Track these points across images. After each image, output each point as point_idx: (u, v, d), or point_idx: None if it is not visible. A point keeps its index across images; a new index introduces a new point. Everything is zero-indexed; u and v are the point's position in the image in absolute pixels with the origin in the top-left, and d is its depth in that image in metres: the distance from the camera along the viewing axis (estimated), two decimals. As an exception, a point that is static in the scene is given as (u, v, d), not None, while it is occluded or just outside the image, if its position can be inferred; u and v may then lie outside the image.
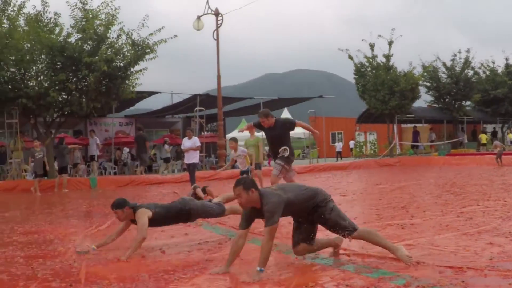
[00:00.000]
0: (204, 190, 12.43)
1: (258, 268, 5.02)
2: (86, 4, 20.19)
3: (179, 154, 26.72)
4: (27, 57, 19.61)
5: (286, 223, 7.00)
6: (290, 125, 9.61)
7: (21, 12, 20.15)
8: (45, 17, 20.33)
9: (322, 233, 5.93)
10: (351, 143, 46.58)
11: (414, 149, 35.71)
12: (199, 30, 25.65)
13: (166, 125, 33.19)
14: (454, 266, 4.98)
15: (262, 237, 5.58)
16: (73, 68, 20.00)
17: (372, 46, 31.98)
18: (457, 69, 36.86)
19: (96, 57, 19.23)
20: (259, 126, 9.83)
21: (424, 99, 38.60)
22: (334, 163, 30.91)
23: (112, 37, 20.57)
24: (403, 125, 42.52)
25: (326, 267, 5.44)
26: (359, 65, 32.70)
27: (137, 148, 22.70)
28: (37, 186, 17.98)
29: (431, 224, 7.82)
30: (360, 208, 10.87)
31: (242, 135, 44.37)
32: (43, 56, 20.15)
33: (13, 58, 19.46)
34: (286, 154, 9.54)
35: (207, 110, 28.12)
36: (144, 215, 6.70)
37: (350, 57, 32.47)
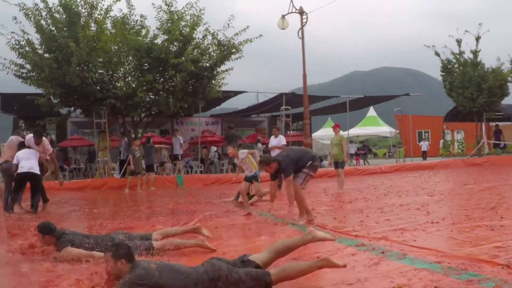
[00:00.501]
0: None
1: None
2: (171, 6, 20.20)
3: (265, 153, 26.43)
4: (115, 59, 19.78)
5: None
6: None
7: (108, 15, 20.52)
8: (131, 20, 20.57)
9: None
10: (441, 142, 45.08)
11: (497, 148, 34.02)
12: (284, 29, 25.33)
13: (252, 124, 33.04)
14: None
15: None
16: (160, 69, 20.04)
17: (459, 42, 30.76)
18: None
19: (183, 57, 19.15)
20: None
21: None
22: (421, 162, 29.97)
23: (198, 38, 20.45)
24: (491, 123, 40.81)
25: (415, 268, 5.30)
26: (446, 62, 31.44)
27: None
28: (136, 183, 18.26)
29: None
30: (448, 208, 10.38)
31: (326, 134, 43.97)
32: (130, 58, 20.33)
33: (101, 60, 19.67)
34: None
35: (293, 109, 27.74)
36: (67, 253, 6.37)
37: (437, 54, 31.31)
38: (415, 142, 39.43)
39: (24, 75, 20.32)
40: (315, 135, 45.02)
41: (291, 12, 25.40)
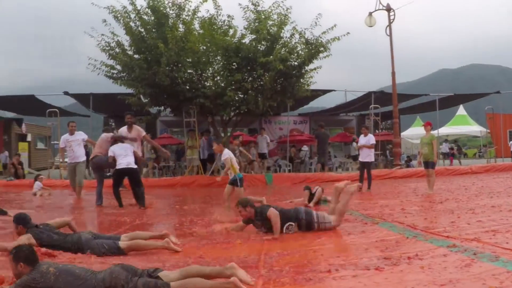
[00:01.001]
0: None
1: None
2: (258, 5, 20.12)
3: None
4: (203, 59, 19.92)
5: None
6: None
7: (196, 16, 20.77)
8: (218, 20, 20.68)
9: None
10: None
11: None
12: (371, 26, 24.81)
13: (340, 123, 32.49)
14: None
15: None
16: (248, 68, 20.01)
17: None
18: None
19: (271, 56, 19.01)
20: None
21: None
22: (513, 163, 28.36)
23: (286, 37, 20.25)
24: None
25: (508, 271, 5.04)
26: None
27: (319, 145, 22.62)
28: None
29: None
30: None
31: (415, 133, 42.90)
32: (218, 58, 20.47)
33: (190, 60, 19.87)
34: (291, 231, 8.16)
35: (382, 108, 27.08)
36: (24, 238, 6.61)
37: None
38: (506, 141, 37.74)
39: (114, 75, 20.94)
40: (404, 134, 43.93)
41: (378, 9, 24.90)
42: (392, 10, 24.60)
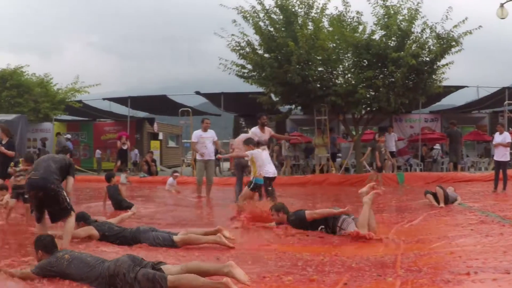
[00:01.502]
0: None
1: None
2: (387, 0, 20.02)
3: (487, 151, 25.41)
4: (334, 56, 20.06)
5: None
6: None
7: (324, 13, 20.96)
8: (347, 17, 20.73)
9: None
10: None
11: None
12: (503, 18, 24.07)
13: (472, 121, 31.60)
14: None
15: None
16: (379, 64, 19.98)
17: None
18: None
19: (402, 52, 18.96)
20: None
21: None
22: None
23: (416, 32, 20.04)
24: None
25: None
26: None
27: (451, 144, 22.21)
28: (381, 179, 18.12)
29: None
30: None
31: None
32: (348, 55, 20.54)
33: (320, 57, 20.08)
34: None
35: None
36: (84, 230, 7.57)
37: None
38: None
39: (245, 75, 21.57)
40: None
41: (510, 0, 24.14)
42: (525, -1, 23.79)
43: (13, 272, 5.60)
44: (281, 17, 20.87)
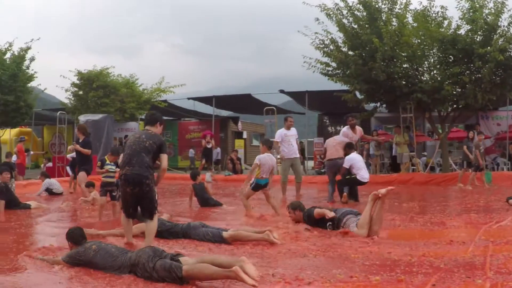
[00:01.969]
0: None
1: None
2: (470, -6, 19.82)
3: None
4: (419, 52, 20.04)
5: None
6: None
7: (408, 9, 20.93)
8: (432, 12, 20.67)
9: None
10: None
11: None
12: None
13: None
14: None
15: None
16: (465, 60, 19.81)
17: None
18: None
19: (489, 47, 18.80)
20: None
21: None
22: None
23: (503, 26, 19.77)
24: None
25: None
26: None
27: None
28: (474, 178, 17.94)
29: None
30: None
31: None
32: (434, 51, 20.51)
33: (405, 54, 20.14)
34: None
35: None
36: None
37: None
38: None
39: (330, 72, 21.86)
40: None
41: None
42: None
43: (46, 259, 6.35)
44: (365, 13, 20.95)
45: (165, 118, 37.38)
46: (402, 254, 6.42)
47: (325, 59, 21.65)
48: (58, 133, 31.50)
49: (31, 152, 31.65)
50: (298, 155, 15.35)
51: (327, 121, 31.07)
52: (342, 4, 21.19)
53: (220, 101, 30.66)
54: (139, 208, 7.22)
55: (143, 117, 31.63)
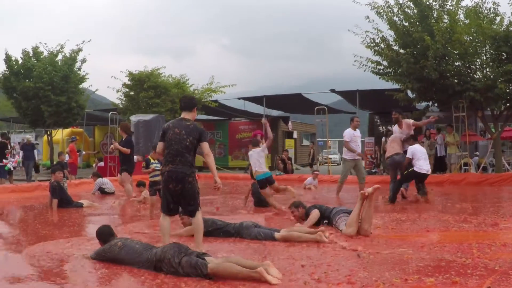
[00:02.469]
0: None
1: None
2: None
3: None
4: (470, 50, 19.90)
5: None
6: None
7: (459, 5, 20.76)
8: (484, 8, 20.45)
9: None
10: None
11: None
12: None
13: None
14: None
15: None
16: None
17: None
18: None
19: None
20: None
21: None
22: None
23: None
24: None
25: None
26: None
27: None
28: None
29: None
30: None
31: None
32: (486, 48, 20.28)
33: (457, 52, 20.01)
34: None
35: None
36: None
37: None
38: None
39: (381, 71, 21.94)
40: None
41: None
42: None
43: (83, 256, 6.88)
44: (415, 11, 20.88)
45: (215, 118, 38.12)
46: (456, 256, 6.49)
47: (376, 58, 21.71)
48: (109, 133, 32.27)
49: (83, 152, 32.73)
50: (361, 156, 15.65)
51: (378, 120, 31.16)
52: (392, 2, 21.20)
53: (270, 100, 31.05)
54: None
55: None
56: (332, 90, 27.66)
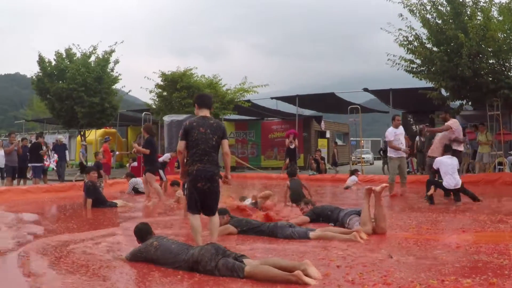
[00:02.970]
0: None
1: None
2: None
3: None
4: (505, 47, 19.74)
5: None
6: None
7: (493, 2, 20.55)
8: None
9: None
10: None
11: None
12: None
13: None
14: None
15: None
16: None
17: None
18: None
19: None
20: None
21: None
22: None
23: None
24: None
25: None
26: None
27: None
28: None
29: None
30: None
31: None
32: None
33: (491, 49, 19.91)
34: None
35: None
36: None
37: None
38: None
39: (414, 70, 21.91)
40: None
41: None
42: None
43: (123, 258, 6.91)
44: (449, 8, 20.85)
45: (248, 118, 38.41)
46: (492, 257, 6.49)
47: (409, 56, 21.67)
48: (142, 134, 32.73)
49: (116, 152, 33.29)
50: (404, 154, 15.80)
51: (411, 119, 31.15)
52: (425, 0, 21.28)
53: (303, 100, 31.18)
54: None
55: (227, 117, 32.57)
56: (365, 89, 27.73)
